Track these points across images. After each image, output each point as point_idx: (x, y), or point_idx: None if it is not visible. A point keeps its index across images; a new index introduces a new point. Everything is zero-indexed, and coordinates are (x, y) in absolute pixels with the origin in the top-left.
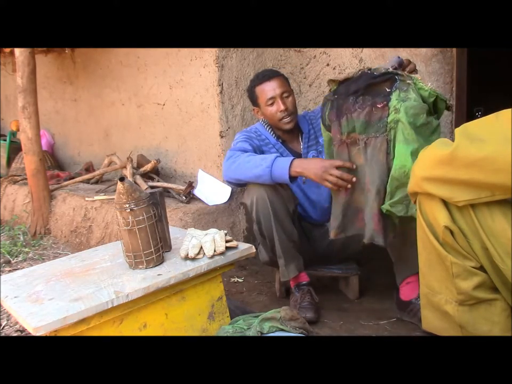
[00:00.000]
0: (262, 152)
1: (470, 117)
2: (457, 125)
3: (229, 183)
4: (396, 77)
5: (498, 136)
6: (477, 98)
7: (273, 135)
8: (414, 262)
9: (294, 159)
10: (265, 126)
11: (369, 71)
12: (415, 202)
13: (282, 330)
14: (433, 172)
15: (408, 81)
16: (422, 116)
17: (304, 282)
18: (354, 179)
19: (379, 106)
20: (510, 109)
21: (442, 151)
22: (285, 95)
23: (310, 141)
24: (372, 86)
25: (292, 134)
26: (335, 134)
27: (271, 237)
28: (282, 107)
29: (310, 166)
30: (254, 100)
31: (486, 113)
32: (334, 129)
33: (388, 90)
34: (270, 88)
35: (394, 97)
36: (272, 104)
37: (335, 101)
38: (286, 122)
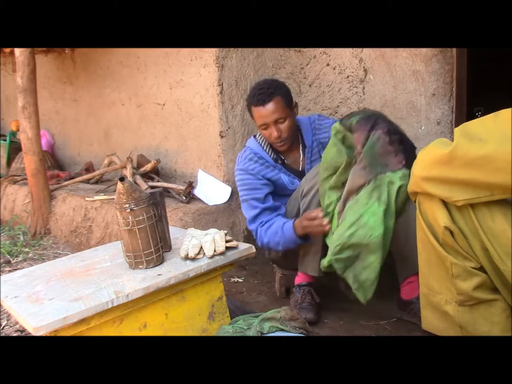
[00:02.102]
0: (265, 178)
1: (470, 117)
2: (457, 125)
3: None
4: None
5: (497, 135)
6: (477, 98)
7: (271, 154)
8: (415, 261)
9: (293, 222)
10: (262, 144)
11: None
12: (415, 201)
13: (282, 330)
14: (432, 171)
15: None
16: None
17: (305, 283)
18: (325, 222)
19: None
20: (510, 109)
21: (442, 151)
22: (280, 121)
23: (313, 155)
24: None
25: (294, 148)
26: (357, 143)
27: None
28: (275, 134)
29: (302, 225)
30: (250, 115)
31: (486, 113)
32: (359, 140)
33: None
34: (263, 115)
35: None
36: (265, 128)
37: (369, 118)
38: (280, 146)
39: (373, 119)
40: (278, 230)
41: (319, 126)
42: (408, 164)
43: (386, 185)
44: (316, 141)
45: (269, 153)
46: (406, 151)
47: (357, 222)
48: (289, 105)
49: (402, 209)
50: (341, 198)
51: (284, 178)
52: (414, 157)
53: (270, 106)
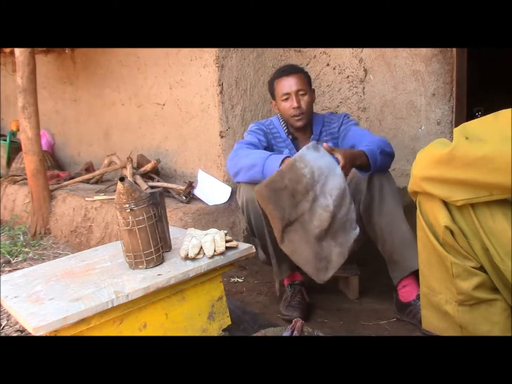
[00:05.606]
0: (272, 146)
1: (470, 117)
2: (457, 125)
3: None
4: None
5: (497, 135)
6: (477, 98)
7: (286, 130)
8: (405, 263)
9: (287, 156)
10: (280, 120)
11: None
12: (415, 201)
13: None
14: (432, 171)
15: None
16: None
17: (297, 282)
18: None
19: None
20: (509, 109)
21: (441, 151)
22: (301, 93)
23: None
24: None
25: (304, 132)
26: None
27: (263, 237)
28: (295, 104)
29: None
30: (272, 92)
31: (486, 113)
32: None
33: None
34: (287, 84)
35: None
36: (286, 99)
37: None
38: (297, 120)
39: None
40: (257, 152)
41: (330, 120)
42: None
43: None
44: (325, 131)
45: (284, 129)
46: None
47: None
48: (309, 85)
49: None
50: None
51: (290, 153)
52: None
53: (294, 77)
